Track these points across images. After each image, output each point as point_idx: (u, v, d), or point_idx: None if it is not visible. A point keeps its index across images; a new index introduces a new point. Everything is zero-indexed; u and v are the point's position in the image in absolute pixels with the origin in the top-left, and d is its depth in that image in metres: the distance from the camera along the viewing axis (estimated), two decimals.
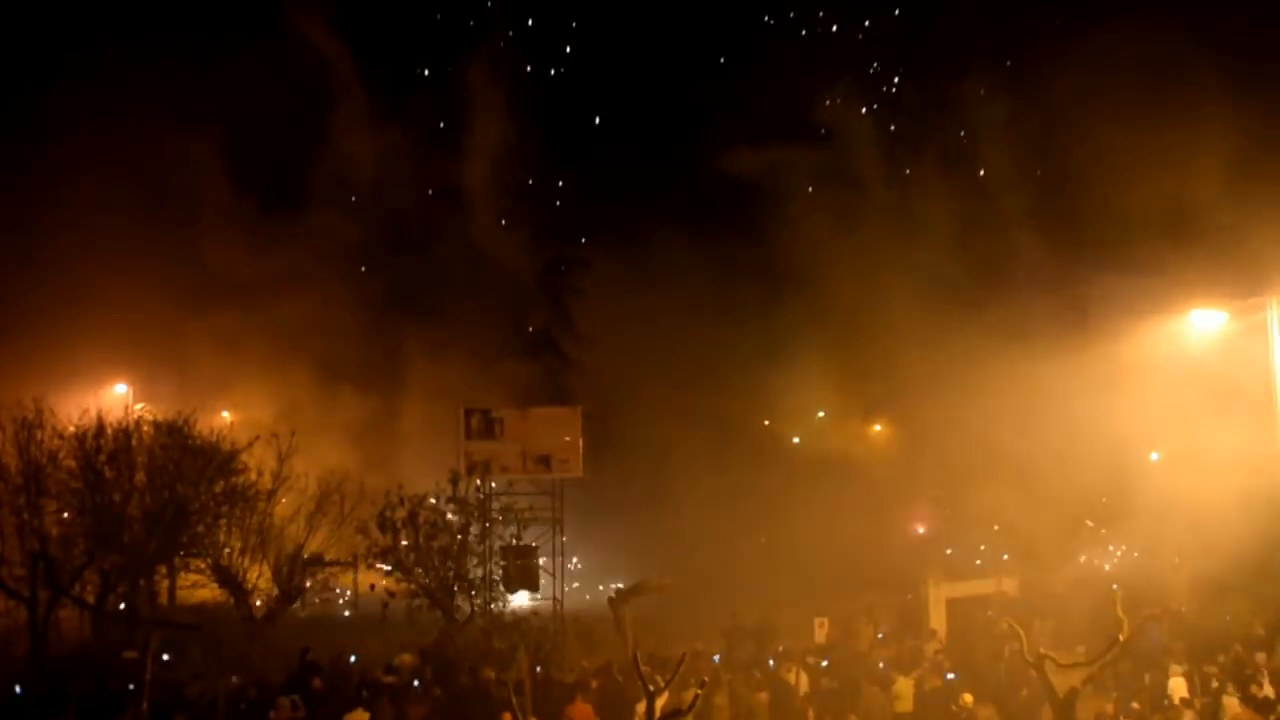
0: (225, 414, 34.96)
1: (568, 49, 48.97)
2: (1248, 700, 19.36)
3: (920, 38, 50.73)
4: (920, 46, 50.48)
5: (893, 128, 46.35)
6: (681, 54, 47.38)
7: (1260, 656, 22.36)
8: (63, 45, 39.42)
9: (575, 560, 40.08)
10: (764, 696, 21.44)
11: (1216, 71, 32.31)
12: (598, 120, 49.29)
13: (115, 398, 37.12)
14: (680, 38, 47.77)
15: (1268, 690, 19.91)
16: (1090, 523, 30.88)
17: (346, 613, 34.89)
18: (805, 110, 44.07)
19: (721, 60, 47.44)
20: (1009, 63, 42.94)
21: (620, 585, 29.24)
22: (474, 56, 44.46)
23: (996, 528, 32.16)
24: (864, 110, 45.01)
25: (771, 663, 23.96)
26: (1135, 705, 19.45)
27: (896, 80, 50.04)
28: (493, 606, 26.99)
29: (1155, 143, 32.81)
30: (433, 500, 26.07)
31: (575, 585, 38.61)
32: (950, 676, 22.11)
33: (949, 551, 41.24)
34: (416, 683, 22.34)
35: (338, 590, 32.76)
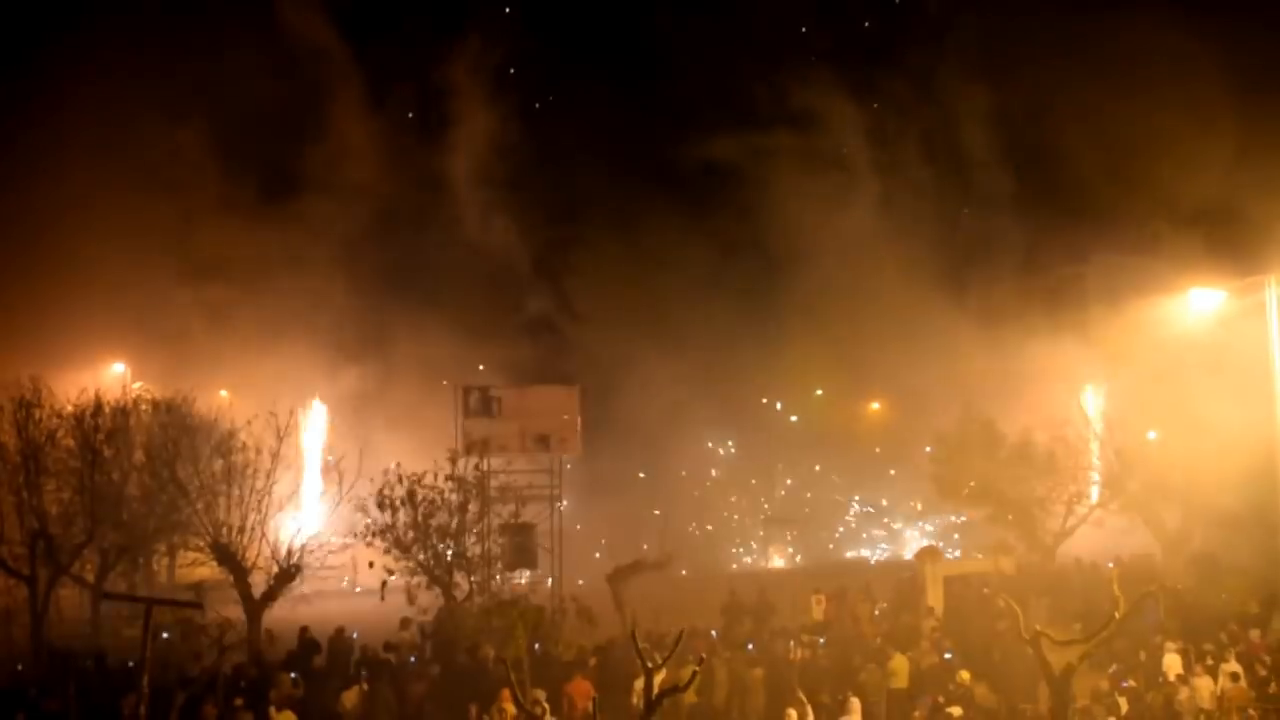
0: (223, 393, 34.95)
1: (561, 29, 48.78)
2: (1235, 677, 19.45)
3: (909, 21, 50.75)
4: (910, 29, 50.50)
5: (880, 106, 46.34)
6: (676, 34, 47.28)
7: (1254, 634, 22.43)
8: (60, 26, 39.31)
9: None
10: (760, 673, 21.54)
11: (1213, 52, 32.32)
12: (595, 100, 49.10)
13: (113, 377, 37.11)
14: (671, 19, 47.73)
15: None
16: (1086, 500, 30.89)
17: (345, 590, 34.98)
18: (798, 94, 44.14)
19: (715, 46, 47.25)
20: (1001, 43, 42.87)
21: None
22: (469, 36, 44.38)
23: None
24: (855, 94, 45.03)
25: (769, 640, 24.03)
26: (1131, 682, 19.54)
27: (887, 64, 49.99)
28: (492, 584, 27.11)
29: (1153, 123, 32.81)
30: (431, 478, 26.10)
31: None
32: (947, 655, 22.19)
33: (956, 535, 41.47)
34: (415, 660, 22.43)
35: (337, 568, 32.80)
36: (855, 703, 18.66)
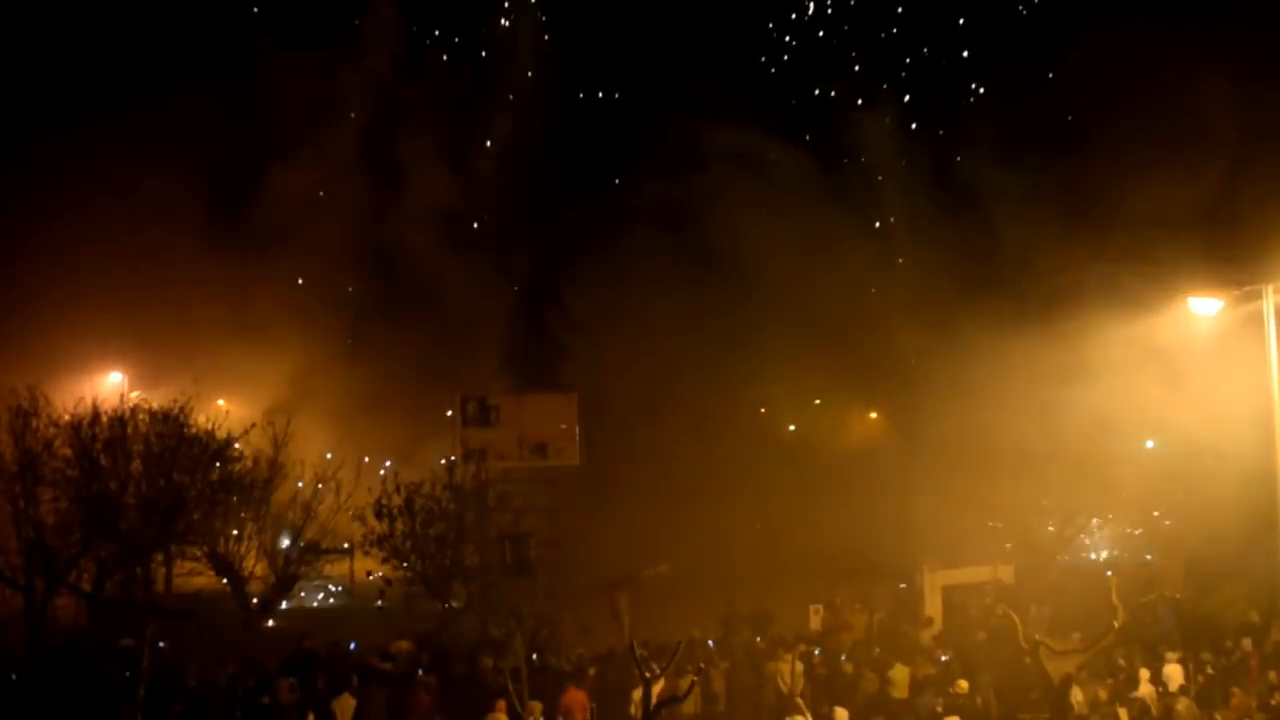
0: (221, 402, 34.92)
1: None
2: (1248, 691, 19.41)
3: (918, 37, 50.95)
4: (917, 44, 50.72)
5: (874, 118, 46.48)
6: (674, 48, 47.35)
7: (1246, 642, 22.35)
8: (59, 44, 39.45)
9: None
10: (759, 683, 21.49)
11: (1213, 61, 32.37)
12: (593, 110, 49.22)
13: (110, 385, 37.05)
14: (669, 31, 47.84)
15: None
16: (1085, 510, 30.82)
17: (343, 600, 34.92)
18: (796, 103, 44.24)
19: (713, 58, 47.30)
20: (1004, 51, 43.04)
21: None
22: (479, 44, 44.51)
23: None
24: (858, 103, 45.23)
25: (767, 650, 23.96)
26: (1132, 694, 19.47)
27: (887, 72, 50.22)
28: (489, 594, 27.06)
29: (1152, 131, 32.82)
30: (429, 487, 26.08)
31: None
32: (944, 658, 22.17)
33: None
34: (416, 670, 22.34)
35: (334, 578, 32.72)
36: (842, 713, 18.57)
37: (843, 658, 23.32)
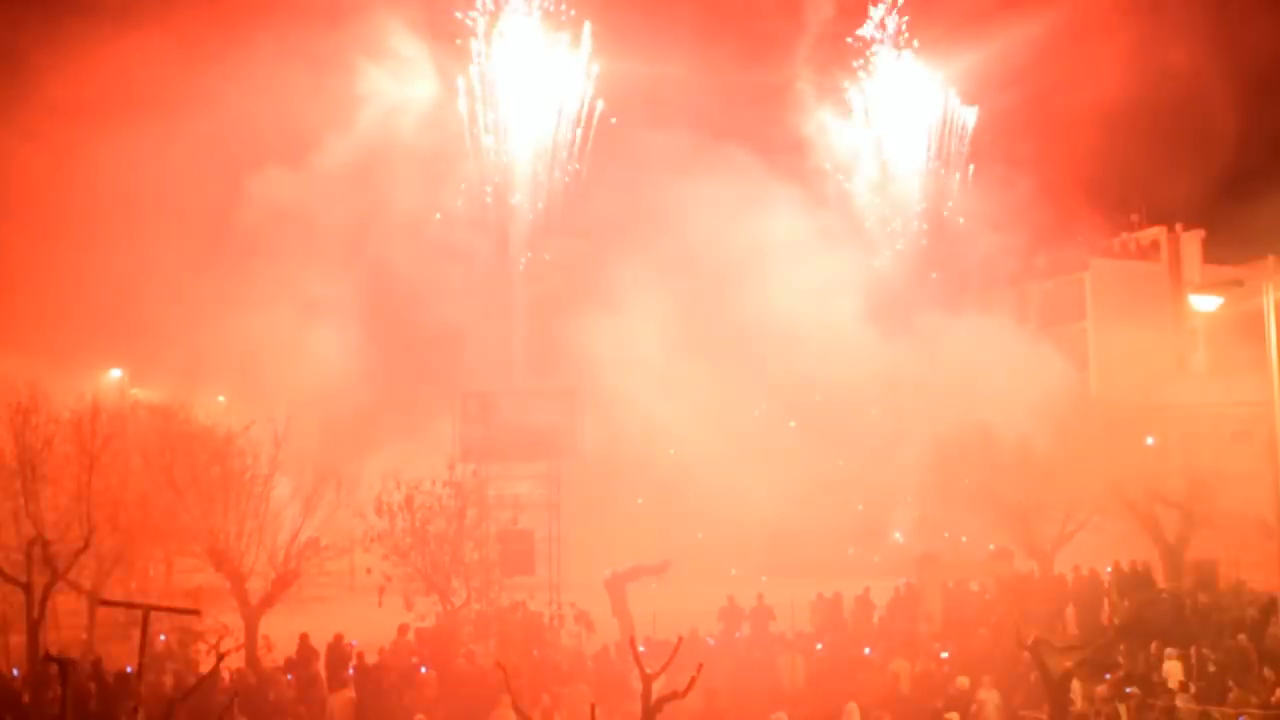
0: (221, 398, 34.92)
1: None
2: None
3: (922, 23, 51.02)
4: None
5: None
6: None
7: (1241, 638, 22.34)
8: (63, 34, 39.43)
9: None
10: (760, 678, 21.49)
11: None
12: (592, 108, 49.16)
13: (110, 382, 37.07)
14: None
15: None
16: (1084, 506, 30.83)
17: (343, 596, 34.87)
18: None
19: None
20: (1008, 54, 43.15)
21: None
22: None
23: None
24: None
25: (768, 645, 24.00)
26: (1130, 689, 19.48)
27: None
28: (489, 590, 27.09)
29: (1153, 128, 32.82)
30: (429, 484, 26.08)
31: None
32: (944, 655, 22.18)
33: (946, 534, 41.41)
34: (420, 667, 22.35)
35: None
36: (853, 707, 18.59)
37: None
